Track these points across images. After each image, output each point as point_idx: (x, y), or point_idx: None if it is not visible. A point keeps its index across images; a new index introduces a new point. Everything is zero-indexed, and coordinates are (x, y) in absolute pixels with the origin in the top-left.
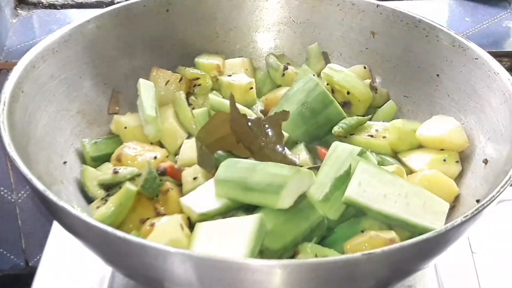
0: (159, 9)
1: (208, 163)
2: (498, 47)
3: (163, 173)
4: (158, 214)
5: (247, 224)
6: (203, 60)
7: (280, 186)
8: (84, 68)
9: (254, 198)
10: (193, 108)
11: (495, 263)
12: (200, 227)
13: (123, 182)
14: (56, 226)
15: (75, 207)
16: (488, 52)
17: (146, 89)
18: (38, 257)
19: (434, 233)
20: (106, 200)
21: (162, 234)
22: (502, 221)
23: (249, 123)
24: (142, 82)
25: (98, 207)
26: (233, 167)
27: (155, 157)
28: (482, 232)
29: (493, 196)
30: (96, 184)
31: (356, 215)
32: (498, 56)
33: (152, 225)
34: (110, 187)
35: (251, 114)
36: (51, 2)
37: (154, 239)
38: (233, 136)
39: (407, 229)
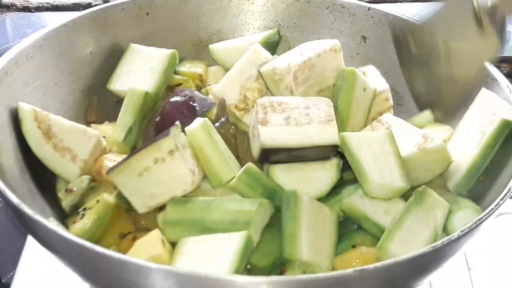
0: (139, 13)
1: None
2: None
3: None
4: (139, 228)
5: (233, 241)
6: (185, 68)
7: (247, 223)
8: (60, 75)
9: None
10: None
11: (492, 280)
12: (183, 242)
13: (86, 196)
14: (30, 241)
15: (50, 220)
16: None
17: (130, 100)
18: (11, 274)
19: (430, 248)
20: (83, 215)
21: (143, 249)
22: (500, 236)
23: (233, 132)
24: (129, 91)
25: (74, 222)
26: (184, 207)
27: None
28: (479, 248)
29: (492, 209)
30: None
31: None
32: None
33: (133, 240)
34: (80, 204)
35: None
36: (25, 5)
37: (134, 255)
38: None
39: None
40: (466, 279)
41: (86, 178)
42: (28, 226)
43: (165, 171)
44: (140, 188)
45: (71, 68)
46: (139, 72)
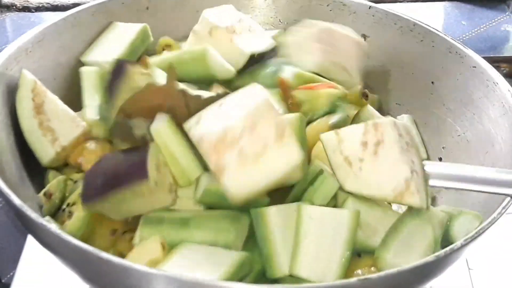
0: (138, 7)
1: (122, 132)
2: (496, 51)
3: None
4: (127, 222)
5: (231, 256)
6: None
7: (227, 246)
8: (59, 70)
9: None
10: None
11: (492, 280)
12: (180, 247)
13: (67, 197)
14: (30, 241)
15: (51, 222)
16: (485, 57)
17: (88, 81)
18: (11, 274)
19: (433, 257)
20: (70, 212)
21: (142, 253)
22: (500, 236)
23: (187, 100)
24: (83, 71)
25: (63, 222)
26: (159, 227)
27: None
28: (479, 248)
29: (495, 218)
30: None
31: None
32: (496, 61)
33: (124, 234)
34: (58, 210)
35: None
36: (25, 5)
37: (133, 259)
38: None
39: None
40: (466, 279)
41: (62, 180)
42: (30, 228)
43: (143, 200)
44: (118, 210)
45: (70, 62)
46: (108, 45)
